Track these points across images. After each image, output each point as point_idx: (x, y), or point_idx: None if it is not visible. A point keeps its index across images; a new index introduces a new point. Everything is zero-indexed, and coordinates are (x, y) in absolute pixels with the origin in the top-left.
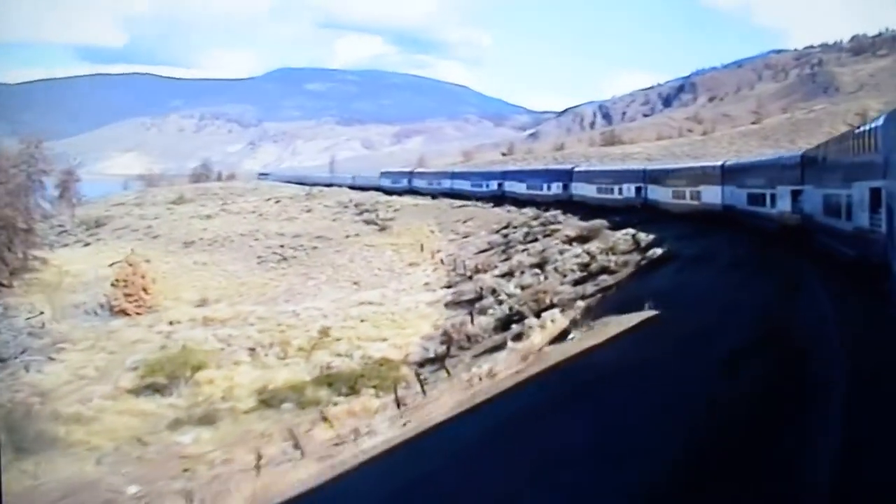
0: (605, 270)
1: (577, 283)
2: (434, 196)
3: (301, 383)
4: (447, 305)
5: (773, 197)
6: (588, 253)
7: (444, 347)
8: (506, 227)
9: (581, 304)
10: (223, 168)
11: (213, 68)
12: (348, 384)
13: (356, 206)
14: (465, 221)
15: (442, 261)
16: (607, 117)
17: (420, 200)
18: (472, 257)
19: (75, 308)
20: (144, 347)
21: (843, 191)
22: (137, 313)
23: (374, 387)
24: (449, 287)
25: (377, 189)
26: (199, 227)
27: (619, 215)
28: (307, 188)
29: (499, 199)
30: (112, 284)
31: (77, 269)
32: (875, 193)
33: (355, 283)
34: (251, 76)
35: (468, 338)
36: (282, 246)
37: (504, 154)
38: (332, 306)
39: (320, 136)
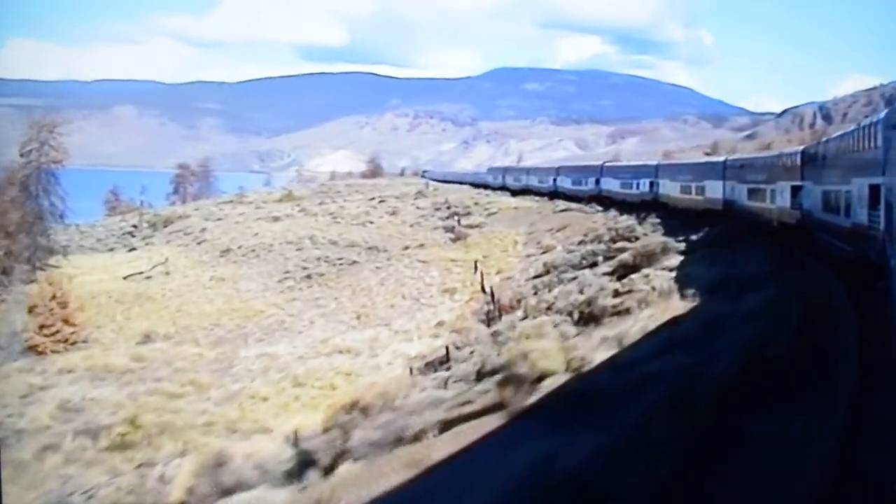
0: None
1: None
2: (551, 196)
3: None
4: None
5: (772, 193)
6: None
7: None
8: (581, 242)
9: None
10: (436, 166)
11: (432, 68)
12: None
13: (448, 208)
14: (557, 230)
15: (484, 289)
16: (827, 118)
17: (527, 202)
18: (523, 284)
19: None
20: None
21: (842, 187)
22: (54, 350)
23: None
24: (456, 332)
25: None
26: (252, 232)
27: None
28: (421, 186)
29: (597, 199)
30: (28, 311)
31: (77, 282)
32: (874, 190)
33: (359, 318)
34: (469, 76)
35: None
36: (319, 259)
37: (707, 153)
38: (293, 355)
39: (534, 136)
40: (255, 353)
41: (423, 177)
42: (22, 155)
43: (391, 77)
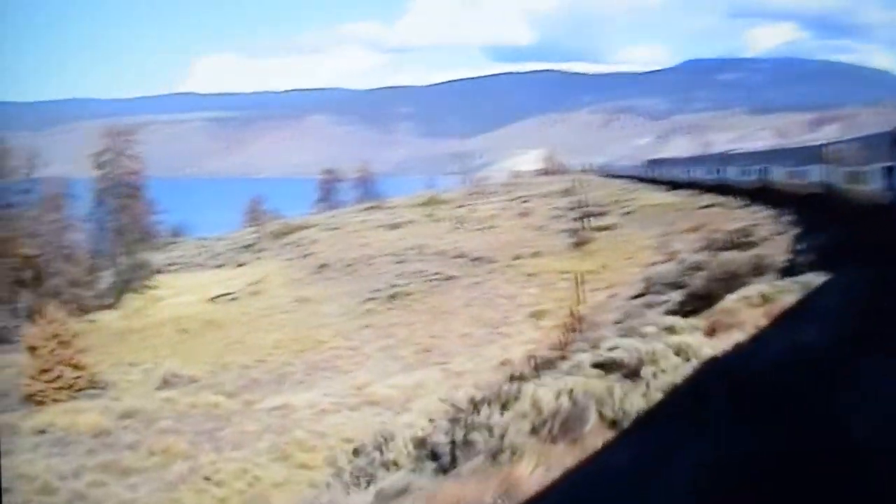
0: None
1: None
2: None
3: None
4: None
5: (867, 175)
6: None
7: None
8: (703, 249)
9: None
10: (630, 161)
11: (622, 62)
12: None
13: (583, 206)
14: (693, 230)
15: (573, 313)
16: None
17: (672, 197)
18: (618, 307)
19: None
20: None
21: None
22: (56, 399)
23: None
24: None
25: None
26: (360, 243)
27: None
28: (572, 183)
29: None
30: (28, 350)
31: (162, 306)
32: None
33: (426, 351)
34: (660, 69)
35: None
36: (414, 274)
37: None
38: (315, 408)
39: (731, 127)
40: (274, 405)
41: (598, 171)
42: (98, 167)
43: (582, 74)
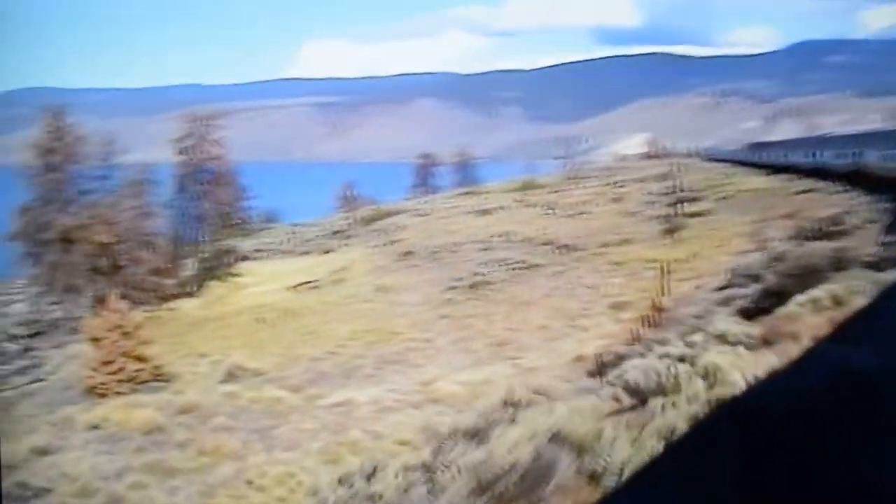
0: None
1: None
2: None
3: None
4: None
5: None
6: None
7: None
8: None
9: None
10: (738, 145)
11: (730, 45)
12: None
13: (680, 191)
14: (788, 217)
15: (654, 305)
16: None
17: (768, 182)
18: (703, 299)
19: None
20: None
21: None
22: (118, 392)
23: None
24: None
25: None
26: (448, 229)
27: None
28: (669, 168)
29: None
30: (90, 341)
31: (243, 294)
32: None
33: (500, 345)
34: (769, 51)
35: None
36: (498, 262)
37: None
38: (378, 404)
39: (840, 110)
40: (337, 401)
41: (703, 156)
42: (180, 153)
43: (689, 56)
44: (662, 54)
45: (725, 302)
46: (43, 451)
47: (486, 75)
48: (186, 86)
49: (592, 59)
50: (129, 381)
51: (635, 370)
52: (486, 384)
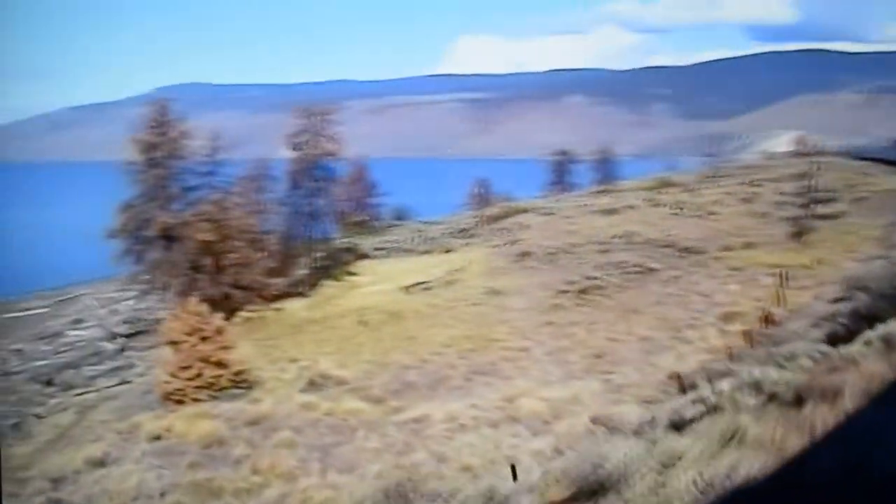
0: None
1: None
2: None
3: None
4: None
5: None
6: None
7: None
8: None
9: None
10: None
11: (887, 41)
12: None
13: (815, 191)
14: None
15: (766, 318)
16: None
17: None
18: (822, 309)
19: None
20: None
21: None
22: (196, 399)
23: None
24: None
25: None
26: (569, 229)
27: None
28: (808, 166)
29: None
30: (169, 344)
31: (355, 294)
32: None
33: (597, 357)
34: None
35: None
36: (613, 265)
37: None
38: (454, 421)
39: None
40: (414, 416)
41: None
42: (294, 148)
43: (844, 53)
44: (817, 51)
45: (832, 318)
46: (99, 463)
47: (637, 72)
48: (339, 82)
49: (745, 56)
50: (206, 387)
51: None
52: (572, 402)
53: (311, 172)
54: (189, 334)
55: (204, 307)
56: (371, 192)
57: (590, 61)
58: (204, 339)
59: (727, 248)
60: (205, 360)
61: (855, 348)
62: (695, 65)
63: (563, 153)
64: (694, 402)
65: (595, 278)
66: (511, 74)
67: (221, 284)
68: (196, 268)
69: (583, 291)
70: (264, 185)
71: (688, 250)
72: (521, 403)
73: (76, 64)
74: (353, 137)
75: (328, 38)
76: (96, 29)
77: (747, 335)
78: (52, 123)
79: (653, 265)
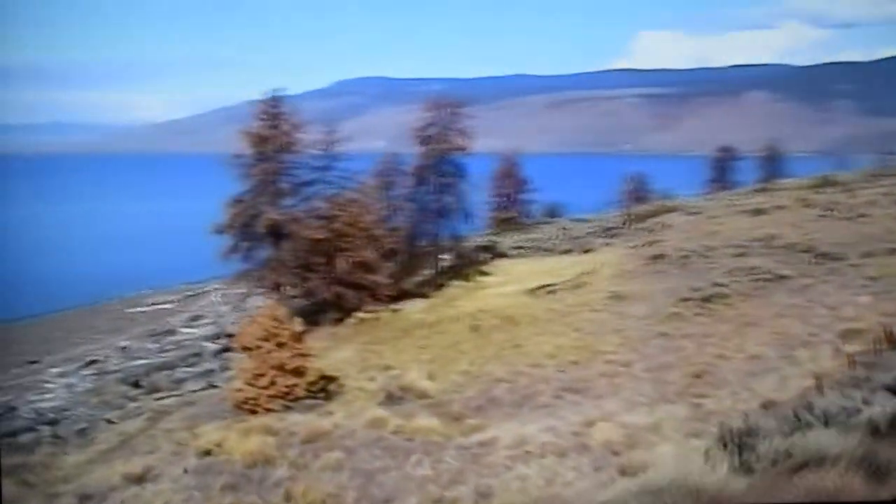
0: None
1: None
2: None
3: None
4: None
5: None
6: None
7: None
8: None
9: None
10: None
11: None
12: None
13: None
14: None
15: (888, 336)
16: None
17: None
18: None
19: None
20: None
21: None
22: (269, 409)
23: None
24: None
25: None
26: (710, 230)
27: None
28: None
29: None
30: (243, 350)
31: (478, 295)
32: None
33: (696, 377)
34: None
35: None
36: (743, 272)
37: None
38: (519, 449)
39: None
40: (482, 439)
41: None
42: (421, 143)
43: None
44: None
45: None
46: (137, 480)
47: (820, 67)
48: (517, 76)
49: None
50: (280, 396)
51: None
52: (651, 430)
53: (440, 168)
54: (264, 340)
55: (282, 311)
56: (522, 188)
57: (773, 57)
58: (280, 345)
59: (868, 255)
60: (279, 367)
61: None
62: (879, 60)
63: (726, 150)
64: None
65: (722, 285)
66: (692, 70)
67: (334, 284)
68: (307, 267)
69: (706, 300)
70: (391, 180)
71: (826, 255)
72: (599, 428)
73: (259, 57)
74: (534, 131)
75: (507, 32)
76: (289, 22)
77: (851, 358)
78: (229, 116)
79: (784, 272)
